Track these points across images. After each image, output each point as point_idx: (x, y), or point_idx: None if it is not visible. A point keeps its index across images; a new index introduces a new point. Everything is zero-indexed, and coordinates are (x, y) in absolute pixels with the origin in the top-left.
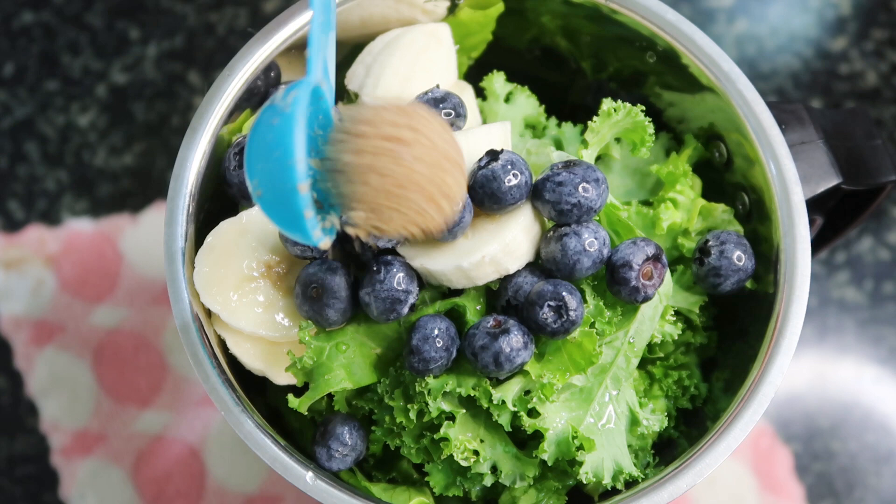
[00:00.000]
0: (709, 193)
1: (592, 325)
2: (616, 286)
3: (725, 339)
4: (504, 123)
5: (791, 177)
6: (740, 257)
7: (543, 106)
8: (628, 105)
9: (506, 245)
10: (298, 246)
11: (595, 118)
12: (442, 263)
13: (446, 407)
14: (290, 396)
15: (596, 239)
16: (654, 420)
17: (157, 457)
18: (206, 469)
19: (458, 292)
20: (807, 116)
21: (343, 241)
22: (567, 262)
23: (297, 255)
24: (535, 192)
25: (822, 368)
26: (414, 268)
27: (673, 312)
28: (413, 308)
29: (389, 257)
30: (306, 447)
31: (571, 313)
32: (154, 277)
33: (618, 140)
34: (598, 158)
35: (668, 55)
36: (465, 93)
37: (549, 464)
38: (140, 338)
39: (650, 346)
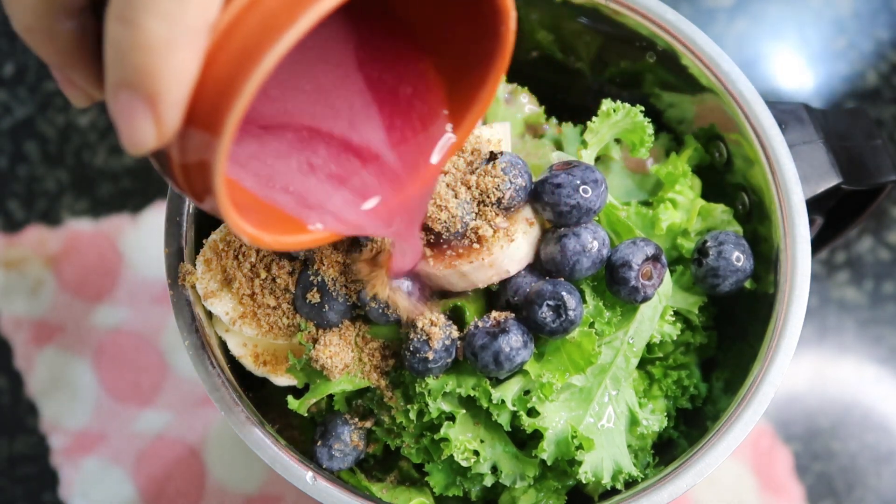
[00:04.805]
0: (709, 194)
1: (592, 325)
2: (615, 286)
3: (725, 339)
4: (503, 124)
5: (791, 177)
6: (739, 258)
7: (543, 107)
8: (627, 105)
9: (506, 248)
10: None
11: (594, 118)
12: (442, 266)
13: (446, 407)
14: (290, 398)
15: (595, 239)
16: (654, 420)
17: (157, 457)
18: (206, 469)
19: (459, 293)
20: (807, 116)
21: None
22: (566, 263)
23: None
24: (535, 194)
25: (822, 368)
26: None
27: (672, 313)
28: None
29: None
30: (306, 446)
31: (570, 313)
32: (154, 277)
33: (618, 141)
34: (597, 159)
35: (668, 55)
36: None
37: (549, 463)
38: (140, 338)
39: (649, 346)
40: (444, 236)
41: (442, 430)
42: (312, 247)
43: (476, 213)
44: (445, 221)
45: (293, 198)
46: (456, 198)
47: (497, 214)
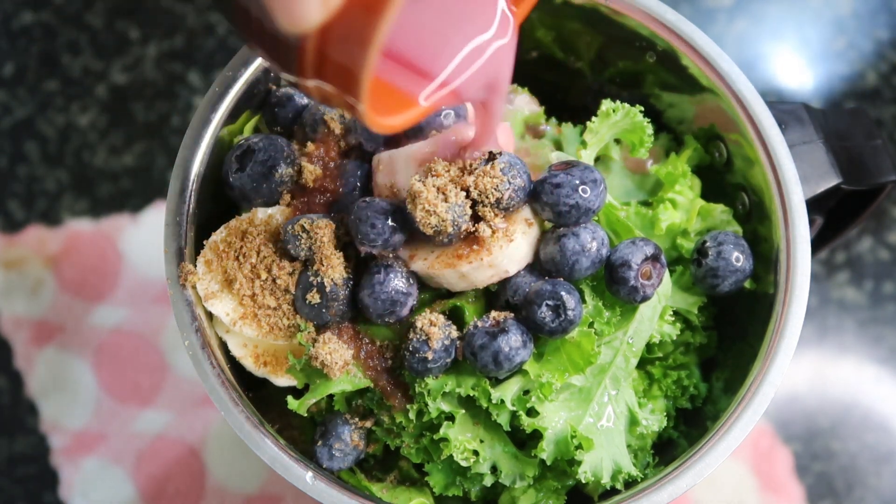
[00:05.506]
0: (709, 194)
1: (591, 325)
2: (615, 286)
3: (725, 339)
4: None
5: (791, 177)
6: (738, 258)
7: (543, 107)
8: (627, 105)
9: (505, 248)
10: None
11: (594, 118)
12: (442, 266)
13: (446, 407)
14: (290, 398)
15: (594, 239)
16: (654, 420)
17: (157, 457)
18: (206, 469)
19: (459, 293)
20: (807, 116)
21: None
22: (566, 263)
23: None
24: (534, 194)
25: (822, 368)
26: (414, 270)
27: (672, 312)
28: (412, 310)
29: (390, 260)
30: (307, 447)
31: (569, 312)
32: (154, 277)
33: (617, 141)
34: (597, 159)
35: (668, 55)
36: None
37: (548, 463)
38: (140, 338)
39: (649, 347)
40: (436, 239)
41: (441, 430)
42: (415, 123)
43: (469, 216)
44: (436, 226)
45: (412, 70)
46: (446, 201)
47: (496, 215)
